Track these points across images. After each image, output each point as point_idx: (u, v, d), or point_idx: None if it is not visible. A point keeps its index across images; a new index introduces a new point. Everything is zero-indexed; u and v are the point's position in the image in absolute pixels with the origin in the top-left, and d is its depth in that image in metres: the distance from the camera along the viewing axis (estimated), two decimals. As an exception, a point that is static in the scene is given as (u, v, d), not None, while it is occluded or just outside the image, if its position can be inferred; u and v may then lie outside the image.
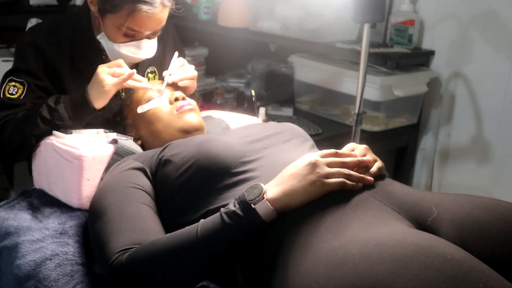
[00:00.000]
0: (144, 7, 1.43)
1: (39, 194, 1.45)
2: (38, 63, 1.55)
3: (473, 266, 0.80)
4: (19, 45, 1.61)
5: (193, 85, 1.60)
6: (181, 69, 1.57)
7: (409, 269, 0.78)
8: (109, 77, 1.43)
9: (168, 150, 1.25)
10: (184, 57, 1.80)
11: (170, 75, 1.53)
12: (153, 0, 1.44)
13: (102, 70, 1.43)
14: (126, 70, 1.44)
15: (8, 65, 1.65)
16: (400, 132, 2.28)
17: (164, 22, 1.53)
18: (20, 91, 1.53)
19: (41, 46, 1.55)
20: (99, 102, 1.44)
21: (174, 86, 1.53)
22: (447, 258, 0.79)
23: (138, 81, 1.47)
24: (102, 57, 1.59)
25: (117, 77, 1.43)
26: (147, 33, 1.53)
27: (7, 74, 1.57)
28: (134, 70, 1.45)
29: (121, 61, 1.46)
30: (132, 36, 1.52)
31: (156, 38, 1.59)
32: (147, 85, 1.48)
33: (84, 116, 1.47)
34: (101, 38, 1.55)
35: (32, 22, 2.70)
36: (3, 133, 1.49)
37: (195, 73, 1.60)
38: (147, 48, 1.57)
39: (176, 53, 1.61)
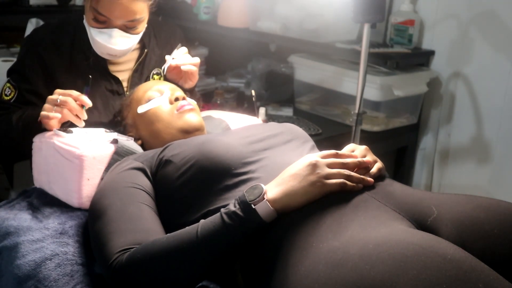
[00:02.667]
0: None
1: (39, 194, 1.45)
2: (35, 68, 1.57)
3: (473, 266, 0.80)
4: (22, 45, 1.65)
5: (195, 72, 1.60)
6: (183, 55, 1.57)
7: (409, 269, 0.78)
8: (48, 105, 1.40)
9: (169, 150, 1.25)
10: None
11: (173, 59, 1.53)
12: None
13: (49, 98, 1.41)
14: (78, 97, 1.40)
15: (8, 65, 1.67)
16: (400, 132, 2.28)
17: (136, 15, 1.49)
18: (12, 94, 1.56)
19: (40, 51, 1.57)
20: (46, 126, 1.42)
21: (176, 72, 1.53)
22: (447, 258, 0.79)
23: (77, 112, 1.42)
24: (105, 59, 1.59)
25: (61, 105, 1.38)
26: (118, 22, 1.49)
27: (8, 73, 1.61)
28: (55, 115, 1.39)
29: (74, 92, 1.41)
30: (103, 23, 1.49)
31: (135, 37, 1.55)
32: (84, 114, 1.42)
33: (35, 133, 1.46)
34: (85, 22, 1.55)
35: (32, 22, 2.69)
36: None
37: (198, 60, 1.60)
38: (119, 40, 1.52)
39: (180, 44, 1.61)
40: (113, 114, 1.58)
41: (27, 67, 1.57)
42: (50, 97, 1.41)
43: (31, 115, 1.47)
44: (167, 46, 1.70)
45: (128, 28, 1.52)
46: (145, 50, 1.66)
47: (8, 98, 1.56)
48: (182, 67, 1.55)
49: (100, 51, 1.55)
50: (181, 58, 1.57)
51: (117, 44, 1.53)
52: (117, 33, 1.51)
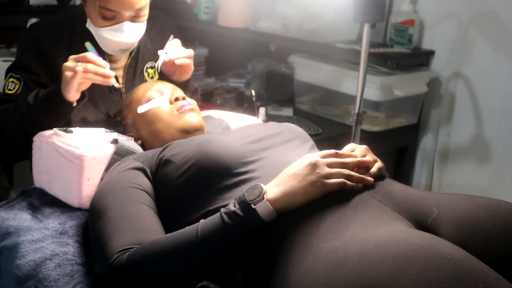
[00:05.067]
0: None
1: (39, 194, 1.45)
2: (36, 59, 1.56)
3: (473, 266, 0.80)
4: (20, 40, 1.63)
5: (190, 64, 1.58)
6: (176, 48, 1.55)
7: (409, 269, 0.78)
8: (69, 71, 1.39)
9: (169, 150, 1.25)
10: None
11: (166, 53, 1.52)
12: None
13: (65, 65, 1.40)
14: (95, 60, 1.40)
15: (8, 65, 1.66)
16: (400, 132, 2.28)
17: (142, 1, 1.49)
18: (17, 87, 1.55)
19: (40, 41, 1.57)
20: (70, 95, 1.42)
21: (171, 65, 1.53)
22: (447, 258, 0.79)
23: (102, 74, 1.41)
24: (103, 57, 1.59)
25: (83, 70, 1.38)
26: (127, 13, 1.49)
27: (8, 70, 1.60)
28: (99, 69, 1.40)
29: (89, 54, 1.41)
30: (112, 19, 1.49)
31: (142, 24, 1.55)
32: (109, 72, 1.42)
33: (60, 111, 1.46)
34: (89, 25, 1.55)
35: (32, 22, 2.70)
36: None
37: (192, 52, 1.58)
38: (130, 31, 1.52)
39: (172, 36, 1.59)
40: (112, 109, 1.58)
41: (28, 59, 1.56)
42: (66, 64, 1.40)
43: (49, 90, 1.45)
44: (159, 38, 1.70)
45: (135, 17, 1.52)
46: (137, 44, 1.66)
47: (12, 91, 1.54)
48: (176, 61, 1.54)
49: (112, 49, 1.54)
50: (174, 51, 1.55)
51: (130, 37, 1.53)
52: (127, 26, 1.51)
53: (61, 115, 1.47)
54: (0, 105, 1.54)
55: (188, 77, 1.64)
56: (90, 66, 1.39)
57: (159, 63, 1.51)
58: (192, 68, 1.61)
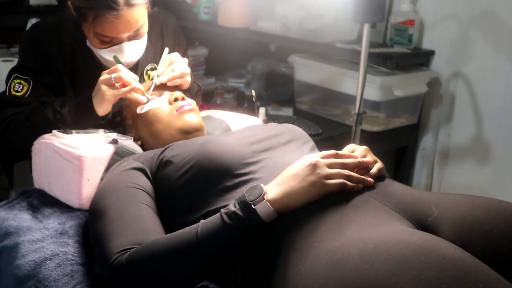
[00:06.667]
0: (107, 12, 1.39)
1: (39, 194, 1.45)
2: (40, 60, 1.56)
3: (473, 266, 0.80)
4: (23, 42, 1.62)
5: (184, 82, 1.55)
6: (169, 68, 1.51)
7: (409, 269, 0.78)
8: (108, 88, 1.40)
9: (169, 151, 1.25)
10: (185, 49, 1.78)
11: (158, 76, 1.50)
12: (115, 4, 1.39)
13: (102, 79, 1.41)
14: (124, 74, 1.41)
15: (8, 65, 1.66)
16: (400, 132, 2.28)
17: (139, 22, 1.48)
18: (25, 89, 1.53)
19: (43, 43, 1.56)
20: (102, 109, 1.43)
21: (166, 86, 1.52)
22: (447, 258, 0.79)
23: (138, 92, 1.44)
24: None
25: (116, 82, 1.40)
26: (124, 35, 1.48)
27: (12, 71, 1.59)
28: (135, 84, 1.41)
29: (120, 66, 1.43)
30: (109, 42, 1.49)
31: (143, 39, 1.55)
32: (144, 99, 1.44)
33: (86, 122, 1.47)
34: (89, 44, 1.55)
35: (32, 22, 2.70)
36: (7, 132, 1.49)
37: (185, 69, 1.53)
38: (131, 51, 1.52)
39: (166, 50, 1.58)
40: (112, 110, 1.58)
41: (34, 61, 1.55)
42: (102, 78, 1.40)
43: (79, 101, 1.45)
44: (159, 41, 1.69)
45: (134, 36, 1.51)
46: None
47: (21, 93, 1.52)
48: (168, 84, 1.50)
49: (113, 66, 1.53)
50: (166, 73, 1.50)
51: (130, 55, 1.53)
52: (127, 46, 1.50)
53: (86, 126, 1.48)
54: (12, 107, 1.51)
55: (186, 87, 1.61)
56: (123, 74, 1.40)
57: (150, 90, 1.47)
58: (189, 82, 1.57)
